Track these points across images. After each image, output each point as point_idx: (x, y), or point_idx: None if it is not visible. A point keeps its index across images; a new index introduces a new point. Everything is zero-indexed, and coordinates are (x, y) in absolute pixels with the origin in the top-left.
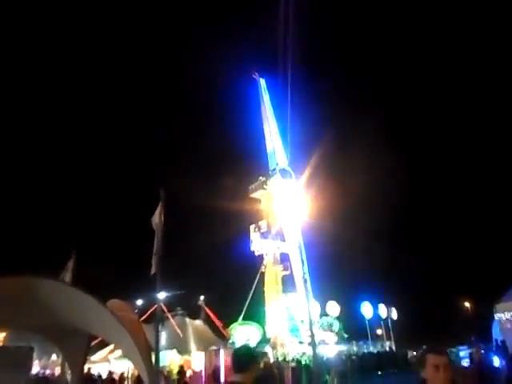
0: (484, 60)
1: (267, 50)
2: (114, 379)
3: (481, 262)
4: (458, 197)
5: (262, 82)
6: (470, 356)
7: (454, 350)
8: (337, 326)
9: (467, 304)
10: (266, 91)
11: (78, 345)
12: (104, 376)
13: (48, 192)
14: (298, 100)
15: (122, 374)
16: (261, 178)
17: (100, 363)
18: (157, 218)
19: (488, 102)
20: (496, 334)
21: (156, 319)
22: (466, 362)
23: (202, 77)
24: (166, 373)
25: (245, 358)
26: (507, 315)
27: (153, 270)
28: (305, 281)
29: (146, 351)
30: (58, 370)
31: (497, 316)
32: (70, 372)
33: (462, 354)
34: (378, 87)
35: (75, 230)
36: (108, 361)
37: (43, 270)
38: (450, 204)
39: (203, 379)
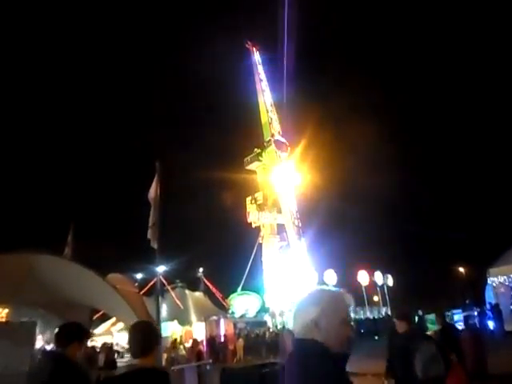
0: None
1: (261, 19)
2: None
3: (475, 229)
4: (452, 166)
5: (256, 52)
6: (465, 319)
7: (448, 313)
8: None
9: (461, 269)
10: (260, 61)
11: (81, 318)
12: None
13: (47, 167)
14: (293, 70)
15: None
16: (256, 149)
17: (103, 336)
18: (153, 191)
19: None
20: (489, 297)
21: (156, 292)
22: (459, 326)
23: (195, 48)
24: (169, 343)
25: None
26: (500, 279)
27: (153, 244)
28: (302, 251)
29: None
30: None
31: (490, 280)
32: None
33: (456, 317)
34: (376, 58)
35: (74, 204)
36: (111, 333)
37: (45, 244)
38: (444, 172)
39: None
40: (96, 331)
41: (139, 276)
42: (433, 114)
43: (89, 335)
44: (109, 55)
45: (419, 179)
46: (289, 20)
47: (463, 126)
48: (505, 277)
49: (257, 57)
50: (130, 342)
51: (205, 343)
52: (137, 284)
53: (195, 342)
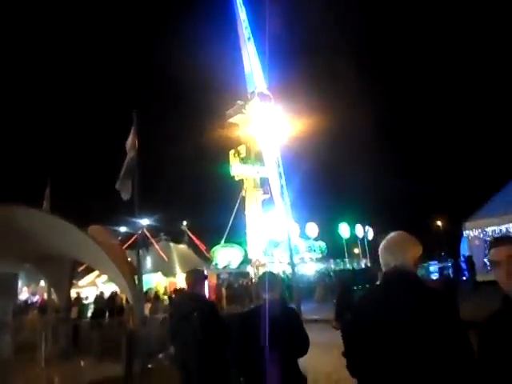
0: None
1: None
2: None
3: (453, 183)
4: (431, 122)
5: None
6: (440, 270)
7: (424, 264)
8: (323, 248)
9: (439, 222)
10: (243, 7)
11: (62, 270)
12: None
13: (22, 121)
14: (277, 18)
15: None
16: (239, 101)
17: (88, 287)
18: (130, 142)
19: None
20: (464, 250)
21: (138, 244)
22: (434, 276)
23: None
24: (153, 294)
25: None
26: (475, 232)
27: (124, 196)
28: (284, 203)
29: (128, 274)
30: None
31: (465, 233)
32: (56, 297)
33: (431, 268)
34: (363, 16)
35: (50, 157)
36: (95, 285)
37: (22, 199)
38: (423, 129)
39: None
40: (80, 283)
41: (123, 229)
42: (415, 61)
43: (207, 277)
44: (85, 8)
45: (400, 133)
46: None
47: (444, 77)
48: (479, 230)
49: (239, 2)
50: (260, 283)
51: None
52: (120, 238)
53: (175, 290)
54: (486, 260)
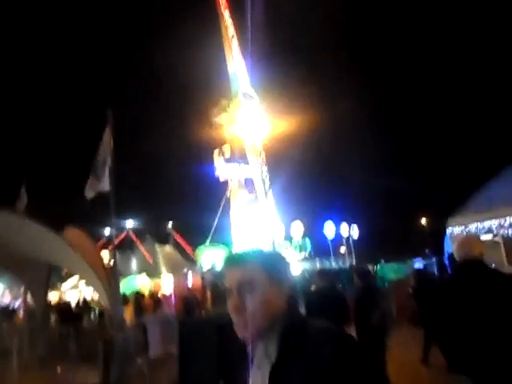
0: None
1: None
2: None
3: (438, 180)
4: (415, 114)
5: None
6: (424, 267)
7: (409, 262)
8: (308, 245)
9: (423, 220)
10: (227, 7)
11: (39, 275)
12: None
13: None
14: (261, 17)
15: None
16: (222, 100)
17: (71, 290)
18: (105, 142)
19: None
20: (448, 246)
21: (119, 245)
22: None
23: None
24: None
25: None
26: (458, 229)
27: (89, 194)
28: (269, 203)
29: (104, 277)
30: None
31: (449, 230)
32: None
33: (416, 265)
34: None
35: (25, 156)
36: (78, 288)
37: None
38: (407, 121)
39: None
40: (64, 285)
41: (107, 231)
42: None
43: None
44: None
45: (385, 130)
46: None
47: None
48: (462, 227)
49: (223, 2)
50: None
51: (172, 295)
52: (105, 239)
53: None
54: None
